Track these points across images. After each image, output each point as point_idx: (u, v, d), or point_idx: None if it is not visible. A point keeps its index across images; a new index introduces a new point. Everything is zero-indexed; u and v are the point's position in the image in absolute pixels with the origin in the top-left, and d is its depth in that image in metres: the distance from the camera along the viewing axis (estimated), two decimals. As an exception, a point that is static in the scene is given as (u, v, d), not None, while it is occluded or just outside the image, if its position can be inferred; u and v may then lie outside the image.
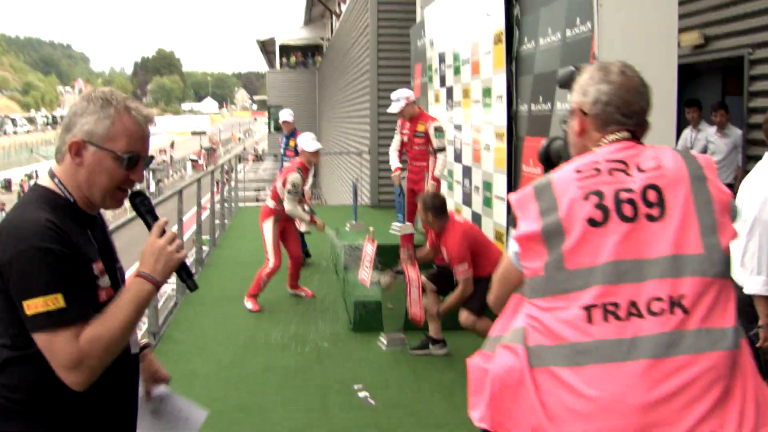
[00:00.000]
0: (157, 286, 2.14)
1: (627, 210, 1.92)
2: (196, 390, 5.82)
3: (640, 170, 1.98)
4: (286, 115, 11.07)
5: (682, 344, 1.82)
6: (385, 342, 6.92)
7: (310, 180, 8.97)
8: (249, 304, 8.15)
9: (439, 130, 8.23)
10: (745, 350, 1.88)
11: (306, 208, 8.63)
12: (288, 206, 7.96)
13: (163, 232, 2.18)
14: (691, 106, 8.90)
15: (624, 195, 1.94)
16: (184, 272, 2.22)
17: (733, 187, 7.79)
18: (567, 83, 2.48)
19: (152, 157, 2.34)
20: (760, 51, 8.16)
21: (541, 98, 6.44)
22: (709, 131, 8.58)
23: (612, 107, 2.09)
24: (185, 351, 6.82)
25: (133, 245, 7.30)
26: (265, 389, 5.85)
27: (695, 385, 1.79)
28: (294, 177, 7.91)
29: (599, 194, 1.94)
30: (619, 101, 2.09)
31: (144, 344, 2.51)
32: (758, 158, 7.20)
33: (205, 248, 11.47)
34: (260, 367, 6.37)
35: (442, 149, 8.22)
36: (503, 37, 7.15)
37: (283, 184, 8.01)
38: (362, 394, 5.74)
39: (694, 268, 1.86)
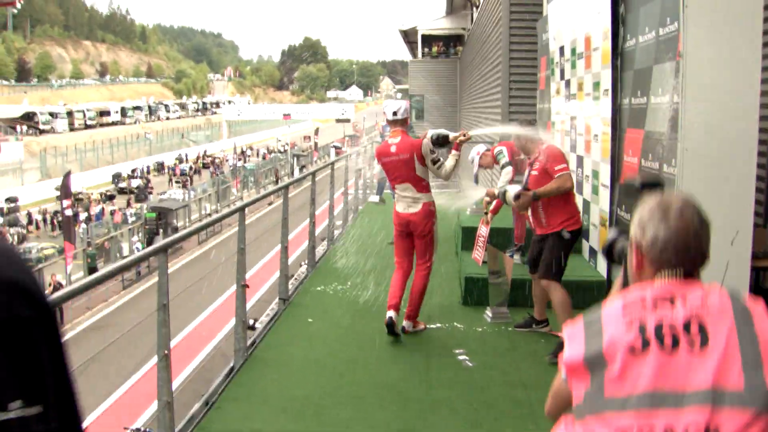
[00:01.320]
0: None
1: (667, 340, 1.92)
2: (315, 345, 6.74)
3: (685, 304, 1.99)
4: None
5: None
6: (490, 315, 7.54)
7: None
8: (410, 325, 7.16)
9: (499, 153, 8.91)
10: None
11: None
12: (446, 171, 6.97)
13: None
14: None
15: (666, 326, 1.94)
16: None
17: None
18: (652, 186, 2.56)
19: None
20: None
21: (639, 92, 6.87)
22: None
23: (669, 253, 2.10)
24: (310, 314, 7.71)
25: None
26: (375, 348, 6.61)
27: None
28: (426, 143, 6.94)
29: (642, 325, 1.96)
30: (675, 247, 2.09)
31: None
32: None
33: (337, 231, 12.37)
34: (373, 330, 7.12)
35: (505, 165, 8.76)
36: (609, 34, 7.60)
37: (423, 162, 6.87)
38: (462, 357, 6.40)
39: (734, 403, 1.82)
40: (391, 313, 6.86)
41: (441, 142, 7.13)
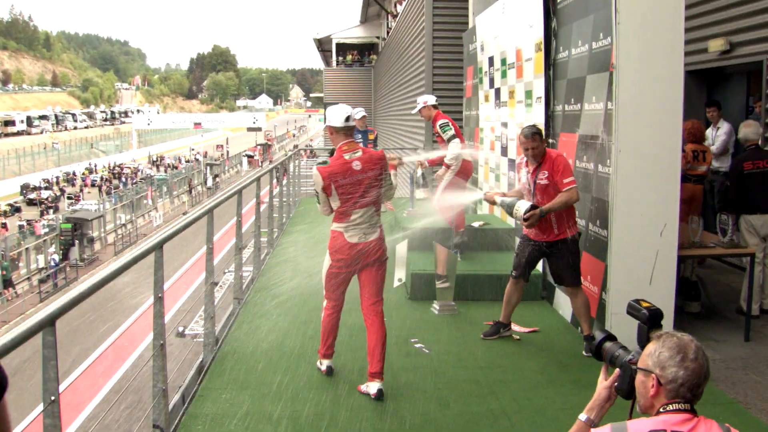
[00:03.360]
0: None
1: None
2: (279, 339, 7.13)
3: None
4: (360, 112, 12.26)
5: None
6: (437, 308, 8.07)
7: None
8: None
9: (444, 125, 9.33)
10: None
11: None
12: (393, 190, 6.15)
13: None
14: (711, 107, 9.77)
15: None
16: None
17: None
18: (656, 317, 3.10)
19: None
20: (778, 58, 9.11)
21: (572, 100, 7.52)
22: (724, 128, 9.47)
23: (685, 388, 2.64)
24: (266, 312, 8.08)
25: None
26: (336, 340, 7.03)
27: None
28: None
29: None
30: (690, 384, 2.64)
31: None
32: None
33: (264, 239, 12.71)
34: (331, 325, 7.57)
35: (451, 138, 9.21)
36: (542, 46, 8.24)
37: None
38: (418, 345, 6.92)
39: None
40: (328, 363, 6.22)
41: None
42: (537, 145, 6.43)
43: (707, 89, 11.32)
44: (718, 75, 11.17)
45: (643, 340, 2.93)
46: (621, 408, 2.98)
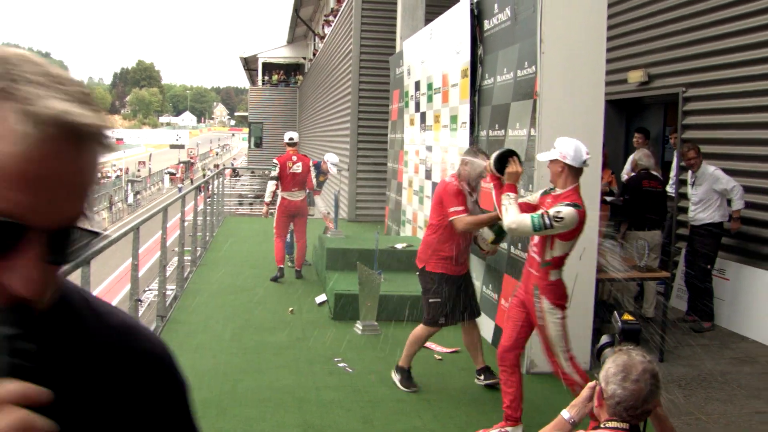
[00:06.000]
0: None
1: None
2: (203, 356, 7.09)
3: None
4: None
5: None
6: (360, 327, 8.13)
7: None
8: None
9: (273, 166, 10.70)
10: None
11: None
12: None
13: None
14: (640, 133, 10.10)
15: None
16: None
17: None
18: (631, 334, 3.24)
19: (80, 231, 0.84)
20: (692, 90, 9.49)
21: (497, 125, 7.70)
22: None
23: (621, 408, 2.73)
24: (191, 329, 8.03)
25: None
26: (261, 358, 7.06)
27: None
28: None
29: None
30: (627, 404, 2.72)
31: None
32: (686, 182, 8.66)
33: (187, 258, 12.62)
34: (255, 342, 7.58)
35: (270, 179, 10.73)
36: (468, 72, 8.43)
37: None
38: (341, 364, 6.96)
39: None
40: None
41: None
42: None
43: (626, 119, 11.72)
44: (637, 105, 11.58)
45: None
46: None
